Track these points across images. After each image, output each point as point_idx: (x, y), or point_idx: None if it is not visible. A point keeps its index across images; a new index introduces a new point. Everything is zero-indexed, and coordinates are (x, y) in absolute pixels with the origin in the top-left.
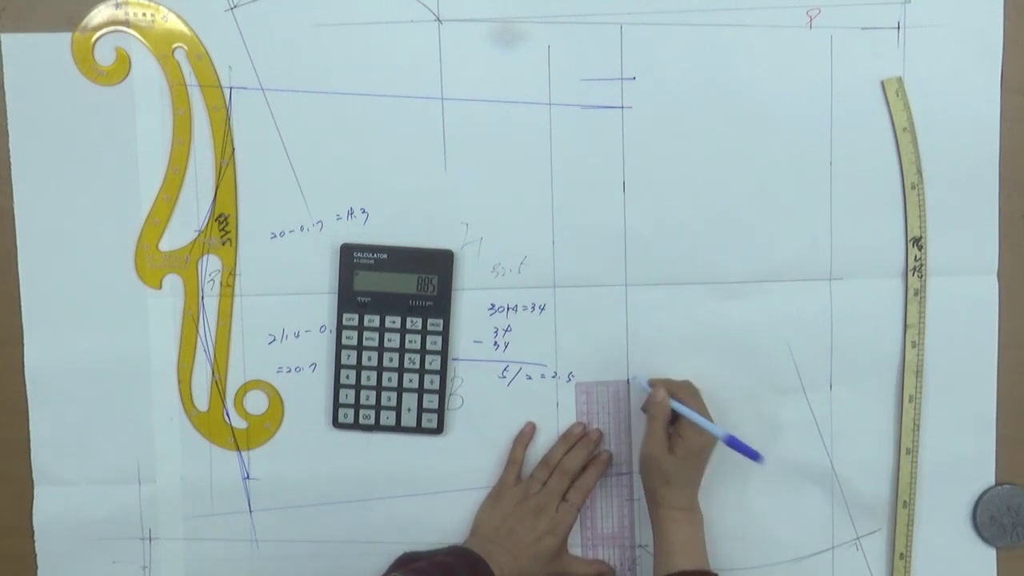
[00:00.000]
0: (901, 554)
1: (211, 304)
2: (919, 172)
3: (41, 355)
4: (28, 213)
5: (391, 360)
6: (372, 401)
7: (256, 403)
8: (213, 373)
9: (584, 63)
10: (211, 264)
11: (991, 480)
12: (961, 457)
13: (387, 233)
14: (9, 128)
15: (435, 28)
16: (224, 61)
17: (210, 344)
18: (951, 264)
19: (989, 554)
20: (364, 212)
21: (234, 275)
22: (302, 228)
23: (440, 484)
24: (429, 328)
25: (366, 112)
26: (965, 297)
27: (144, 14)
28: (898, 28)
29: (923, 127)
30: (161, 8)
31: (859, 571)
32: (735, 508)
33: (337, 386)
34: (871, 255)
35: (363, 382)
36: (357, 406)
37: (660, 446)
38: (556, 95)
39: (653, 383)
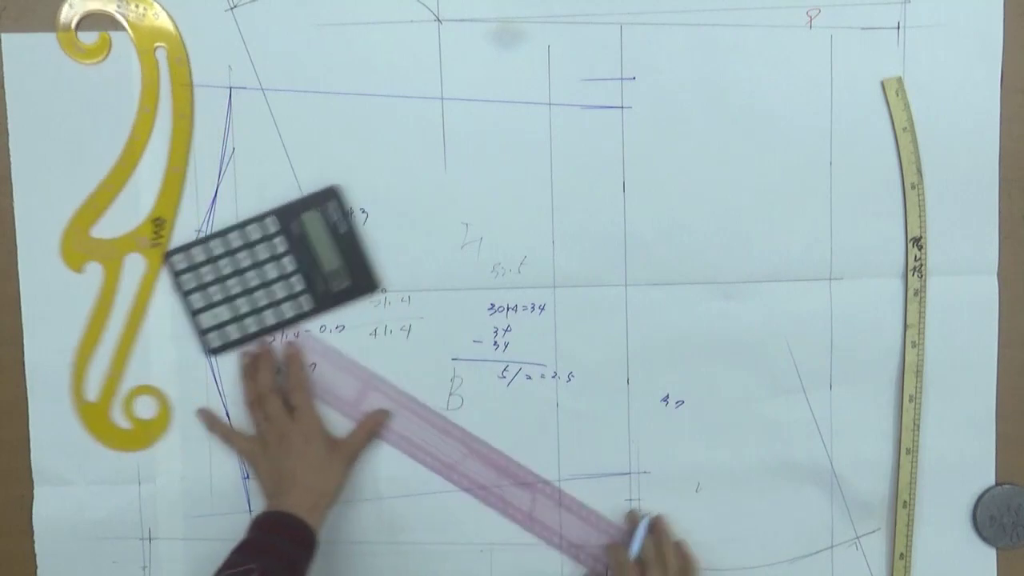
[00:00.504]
0: (901, 554)
1: (126, 302)
2: (919, 172)
3: (41, 355)
4: (28, 213)
5: (252, 279)
6: (205, 279)
7: (145, 407)
8: (110, 369)
9: (584, 63)
10: (135, 263)
11: (991, 480)
12: (961, 457)
13: (387, 233)
14: (9, 127)
15: (435, 28)
16: (224, 61)
17: (115, 339)
18: (951, 264)
19: (989, 554)
20: (364, 212)
21: (156, 279)
22: None
23: (439, 484)
24: (300, 299)
25: (366, 112)
26: (965, 297)
27: (135, 6)
28: (898, 28)
29: (923, 127)
30: (155, 5)
31: (859, 571)
32: (735, 507)
33: (202, 240)
34: (871, 255)
35: (219, 263)
36: (193, 268)
37: None
38: (556, 95)
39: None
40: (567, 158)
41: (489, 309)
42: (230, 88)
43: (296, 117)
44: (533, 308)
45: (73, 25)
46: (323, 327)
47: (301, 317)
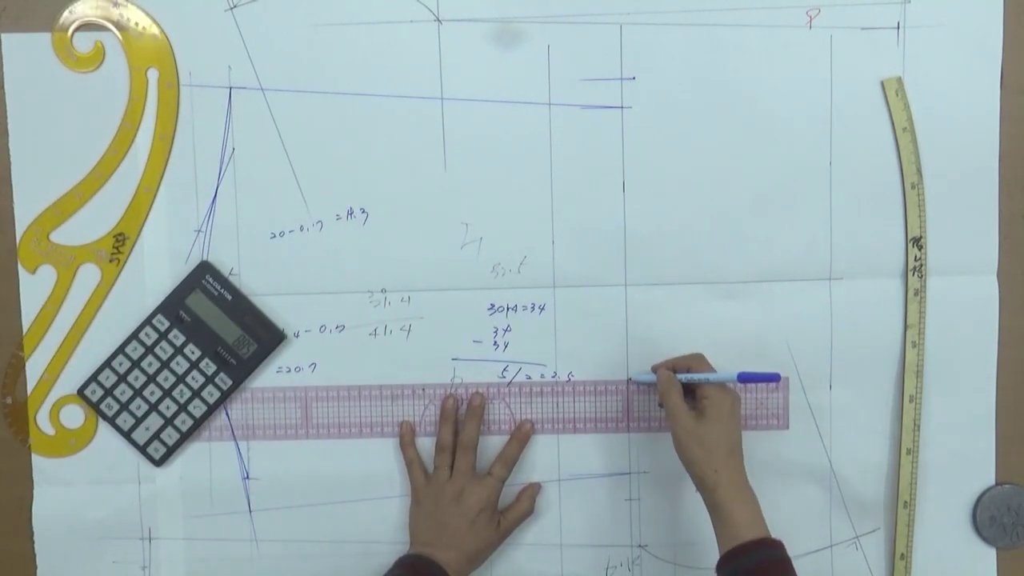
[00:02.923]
0: (902, 554)
1: (72, 310)
2: (919, 172)
3: (41, 355)
4: (28, 213)
5: (165, 379)
6: (124, 398)
7: (71, 417)
8: (44, 373)
9: (584, 63)
10: (89, 274)
11: (991, 480)
12: (961, 457)
13: (387, 233)
14: (9, 127)
15: (435, 28)
16: (224, 61)
17: (54, 345)
18: (951, 264)
19: (989, 554)
20: (364, 212)
21: (107, 293)
22: (302, 228)
23: None
24: (216, 380)
25: (366, 112)
26: (965, 297)
27: (135, 24)
28: (898, 28)
29: (923, 127)
30: (155, 26)
31: (859, 570)
32: None
33: (106, 364)
34: (871, 255)
35: (128, 378)
36: (108, 392)
37: (687, 418)
38: (556, 95)
39: (655, 368)
40: (567, 158)
41: (489, 309)
42: (230, 88)
43: (296, 117)
44: (533, 308)
45: (71, 31)
46: (323, 327)
47: (226, 395)
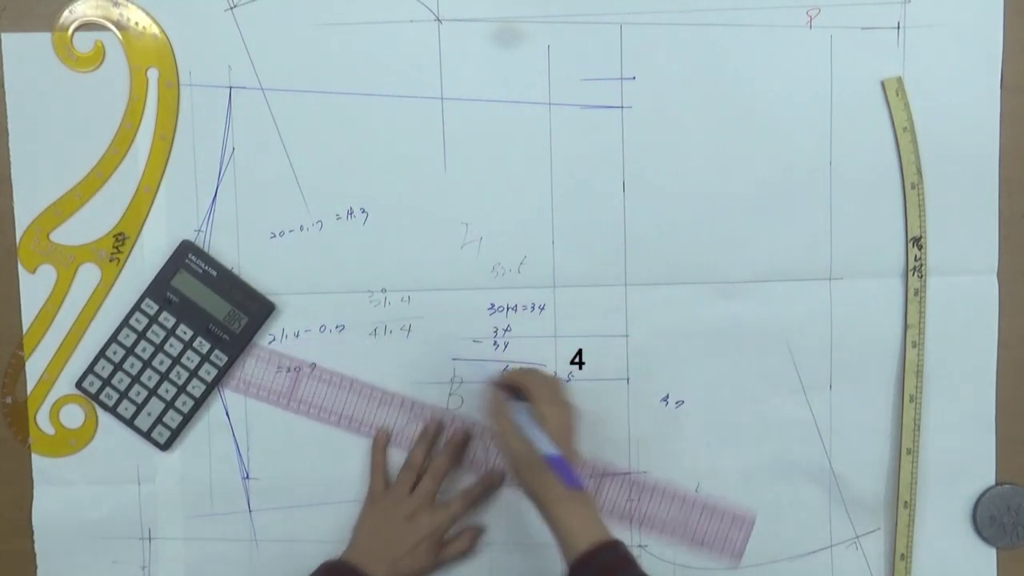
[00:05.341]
0: (902, 555)
1: (72, 310)
2: (919, 172)
3: (41, 355)
4: (28, 213)
5: (161, 363)
6: (122, 386)
7: (71, 417)
8: (44, 373)
9: (584, 63)
10: (89, 274)
11: (991, 480)
12: (961, 457)
13: (387, 233)
14: (9, 127)
15: (435, 28)
16: (224, 61)
17: (54, 345)
18: (951, 264)
19: (989, 554)
20: (364, 212)
21: (107, 293)
22: (302, 228)
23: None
24: (212, 358)
25: (366, 112)
26: (965, 297)
27: (135, 24)
28: (898, 28)
29: (923, 127)
30: (154, 25)
31: (859, 570)
32: None
33: (100, 354)
34: (871, 255)
35: (124, 366)
36: (106, 382)
37: (518, 442)
38: (556, 95)
39: (488, 382)
40: (567, 158)
41: (489, 309)
42: (230, 88)
43: (296, 117)
44: (533, 308)
45: (71, 31)
46: (323, 327)
47: (223, 372)
